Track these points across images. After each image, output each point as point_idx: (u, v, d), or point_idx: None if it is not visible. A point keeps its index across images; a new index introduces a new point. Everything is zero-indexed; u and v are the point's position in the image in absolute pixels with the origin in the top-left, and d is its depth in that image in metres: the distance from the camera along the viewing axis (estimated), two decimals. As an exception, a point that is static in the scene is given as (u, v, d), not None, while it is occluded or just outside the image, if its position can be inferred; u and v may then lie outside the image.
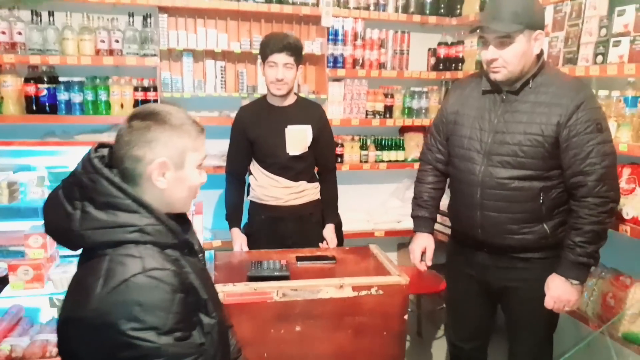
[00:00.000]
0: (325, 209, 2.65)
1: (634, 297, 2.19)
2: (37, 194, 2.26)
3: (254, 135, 2.50)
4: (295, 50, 2.39)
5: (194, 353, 1.13)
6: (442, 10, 3.64)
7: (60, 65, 2.92)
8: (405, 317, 2.09)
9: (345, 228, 2.79)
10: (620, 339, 2.15)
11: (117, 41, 2.98)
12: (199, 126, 1.26)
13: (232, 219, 2.58)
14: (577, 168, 1.80)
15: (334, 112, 3.44)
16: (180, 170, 1.22)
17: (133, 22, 3.02)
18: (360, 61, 3.49)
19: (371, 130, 3.69)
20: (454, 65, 3.59)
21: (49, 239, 2.22)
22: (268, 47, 2.38)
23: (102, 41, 2.95)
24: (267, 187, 2.53)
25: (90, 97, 2.97)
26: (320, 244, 2.58)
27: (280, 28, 3.39)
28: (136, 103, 3.04)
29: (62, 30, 2.89)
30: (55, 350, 2.17)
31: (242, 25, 3.35)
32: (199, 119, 1.52)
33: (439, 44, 3.69)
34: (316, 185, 2.64)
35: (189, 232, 1.33)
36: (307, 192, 2.58)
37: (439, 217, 3.51)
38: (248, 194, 2.65)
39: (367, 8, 3.46)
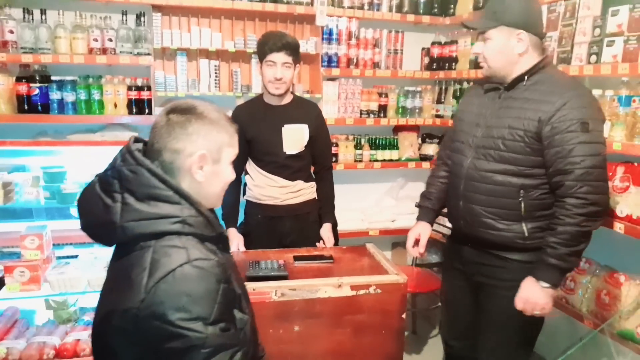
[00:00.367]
0: (322, 207, 2.66)
1: (629, 295, 2.22)
2: (32, 194, 2.25)
3: (250, 135, 2.49)
4: (293, 49, 2.39)
5: (237, 344, 1.13)
6: (435, 10, 3.66)
7: (53, 64, 2.90)
8: (404, 315, 2.10)
9: (340, 227, 2.80)
10: (616, 336, 2.18)
11: (110, 40, 2.95)
12: (234, 124, 1.28)
13: (229, 218, 2.57)
14: (557, 166, 1.78)
15: (329, 112, 3.44)
16: (217, 165, 1.24)
17: (126, 20, 3.00)
18: (355, 60, 3.50)
19: (365, 130, 3.70)
20: (447, 64, 3.60)
21: (44, 239, 2.20)
22: (266, 46, 2.37)
23: (95, 40, 2.92)
24: (263, 187, 2.53)
25: (83, 96, 2.95)
26: (317, 244, 2.58)
27: (275, 27, 3.38)
28: (130, 102, 3.02)
29: (55, 29, 2.86)
30: (52, 352, 2.16)
31: (236, 24, 3.34)
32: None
33: (433, 43, 3.70)
34: (312, 185, 2.64)
35: None
36: (304, 191, 2.58)
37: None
38: (244, 194, 2.65)
39: (361, 7, 3.47)
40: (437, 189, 2.23)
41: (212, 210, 1.31)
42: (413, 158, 3.77)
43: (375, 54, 3.56)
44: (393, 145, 3.72)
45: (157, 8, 3.09)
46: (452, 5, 3.62)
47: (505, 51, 1.88)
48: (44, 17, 2.85)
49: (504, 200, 1.89)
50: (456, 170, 2.06)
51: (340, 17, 3.41)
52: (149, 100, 3.05)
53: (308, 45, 3.39)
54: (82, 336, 2.28)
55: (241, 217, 2.67)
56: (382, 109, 3.62)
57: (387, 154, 3.69)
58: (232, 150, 1.27)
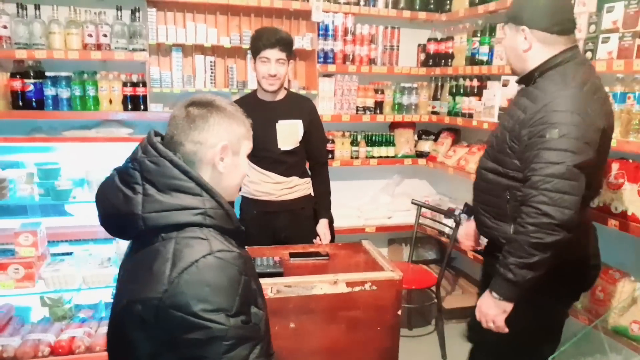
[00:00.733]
0: (318, 203, 2.66)
1: (623, 291, 2.23)
2: (26, 191, 2.23)
3: (245, 131, 2.49)
4: (287, 45, 2.39)
5: (257, 337, 1.13)
6: (431, 6, 3.65)
7: (47, 60, 2.88)
8: (399, 312, 2.11)
9: (336, 224, 2.80)
10: (610, 332, 2.19)
11: (105, 35, 2.94)
12: (248, 118, 1.29)
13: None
14: (526, 173, 1.67)
15: (325, 108, 3.44)
16: (236, 157, 1.25)
17: (121, 16, 2.98)
18: (351, 57, 3.49)
19: (361, 126, 3.69)
20: (443, 61, 3.60)
21: (39, 236, 2.19)
22: (260, 42, 2.37)
23: (90, 35, 2.91)
24: (258, 183, 2.53)
25: (78, 92, 2.93)
26: (313, 240, 2.58)
27: (270, 23, 3.37)
28: (125, 98, 3.01)
29: (49, 24, 2.84)
30: (47, 349, 2.15)
31: (231, 20, 3.32)
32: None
33: (429, 39, 3.70)
34: (308, 181, 2.64)
35: None
36: (299, 187, 2.58)
37: (429, 214, 3.55)
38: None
39: (357, 3, 3.46)
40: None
41: (231, 204, 1.31)
42: (409, 155, 3.77)
43: (371, 50, 3.55)
44: (389, 142, 3.71)
45: (151, 3, 3.07)
46: (448, 2, 3.61)
47: (513, 47, 1.84)
48: (37, 12, 2.82)
49: (494, 199, 1.87)
50: None
51: (336, 13, 3.40)
52: (144, 97, 3.04)
53: (304, 41, 3.38)
54: (77, 333, 2.27)
55: (237, 214, 2.68)
56: (378, 105, 3.62)
57: (383, 151, 3.69)
58: (248, 143, 1.29)
